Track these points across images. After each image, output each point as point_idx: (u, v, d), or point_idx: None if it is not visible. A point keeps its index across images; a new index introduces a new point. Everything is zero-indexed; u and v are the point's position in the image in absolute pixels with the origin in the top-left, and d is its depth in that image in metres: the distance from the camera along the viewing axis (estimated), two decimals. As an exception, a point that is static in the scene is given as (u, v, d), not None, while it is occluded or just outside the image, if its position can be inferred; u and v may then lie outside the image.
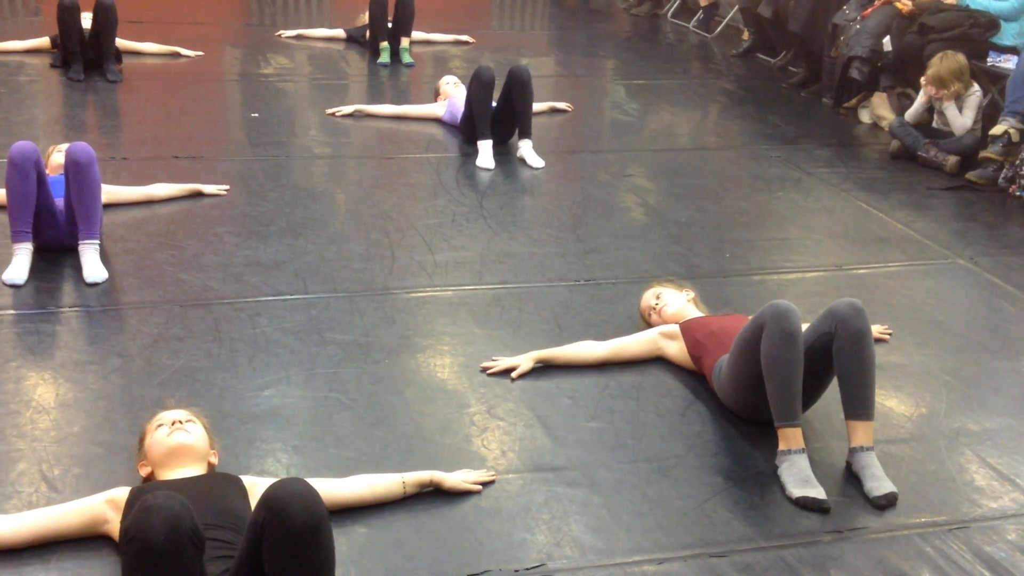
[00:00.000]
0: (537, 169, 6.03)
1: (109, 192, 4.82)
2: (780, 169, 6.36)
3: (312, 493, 2.37)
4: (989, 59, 6.83)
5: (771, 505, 3.19)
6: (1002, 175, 6.17)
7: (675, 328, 3.92)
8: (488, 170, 5.95)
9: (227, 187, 5.35)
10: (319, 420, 3.47)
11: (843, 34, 7.52)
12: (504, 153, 6.21)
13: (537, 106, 6.58)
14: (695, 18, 10.43)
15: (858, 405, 3.31)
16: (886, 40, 7.19)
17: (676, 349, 3.90)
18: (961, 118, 6.43)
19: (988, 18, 6.80)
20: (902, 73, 7.28)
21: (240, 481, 2.85)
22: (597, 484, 3.23)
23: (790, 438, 3.28)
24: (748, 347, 3.37)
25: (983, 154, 6.24)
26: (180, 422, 2.97)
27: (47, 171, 4.60)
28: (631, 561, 2.92)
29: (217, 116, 6.86)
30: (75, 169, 4.28)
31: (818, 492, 3.18)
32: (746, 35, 9.52)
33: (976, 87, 6.47)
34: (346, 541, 2.85)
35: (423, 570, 2.82)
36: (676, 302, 4.05)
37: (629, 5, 11.25)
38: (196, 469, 2.91)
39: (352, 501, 2.99)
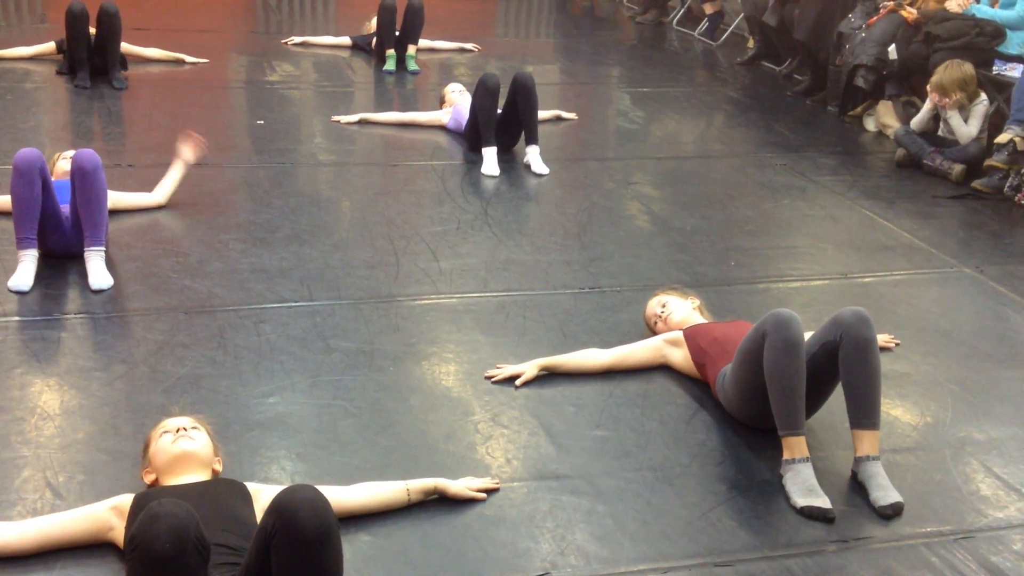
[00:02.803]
0: (542, 176, 6.03)
1: (115, 199, 4.83)
2: (785, 177, 6.36)
3: (322, 500, 2.37)
4: (995, 68, 6.84)
5: (776, 514, 3.18)
6: (1008, 184, 6.17)
7: (679, 335, 3.91)
8: (493, 177, 5.95)
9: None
10: (323, 427, 3.47)
11: (848, 42, 7.51)
12: (509, 160, 6.22)
13: (542, 114, 6.59)
14: (700, 26, 10.44)
15: (864, 414, 3.31)
16: (891, 48, 7.19)
17: (680, 356, 3.89)
18: (966, 127, 6.43)
19: (994, 27, 6.80)
20: (907, 81, 7.28)
21: (245, 487, 2.85)
22: (601, 492, 3.22)
23: (794, 447, 3.27)
24: (750, 356, 3.37)
25: (988, 163, 6.23)
26: (185, 429, 2.97)
27: (53, 177, 4.61)
28: (635, 570, 2.91)
29: (223, 123, 6.87)
30: (81, 176, 4.29)
31: (823, 501, 3.18)
32: (751, 43, 9.53)
33: (982, 96, 6.46)
34: (350, 549, 2.83)
35: (427, 578, 2.82)
36: (681, 310, 4.05)
37: (634, 13, 11.27)
38: (200, 476, 2.91)
39: (356, 509, 2.99)
